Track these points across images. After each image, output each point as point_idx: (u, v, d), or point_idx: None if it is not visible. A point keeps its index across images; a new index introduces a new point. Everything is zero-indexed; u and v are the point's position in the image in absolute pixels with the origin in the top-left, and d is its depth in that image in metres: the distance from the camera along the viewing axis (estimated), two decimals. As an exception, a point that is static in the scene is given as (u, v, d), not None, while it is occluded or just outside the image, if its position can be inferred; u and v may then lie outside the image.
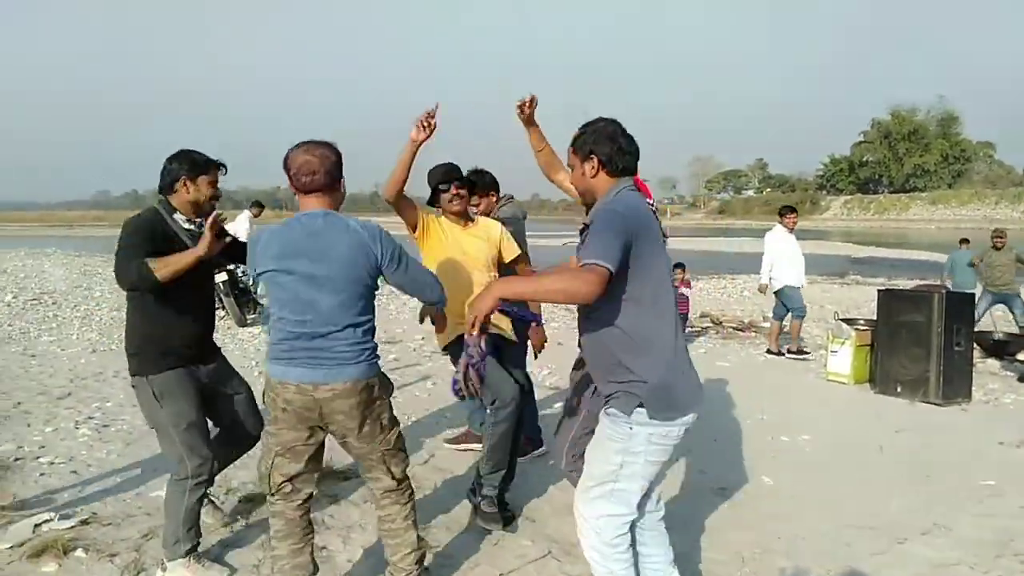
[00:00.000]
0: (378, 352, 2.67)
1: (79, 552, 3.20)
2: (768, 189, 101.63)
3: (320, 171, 2.54)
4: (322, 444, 2.71)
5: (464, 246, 3.56)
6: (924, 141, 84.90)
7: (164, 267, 2.78)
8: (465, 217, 3.65)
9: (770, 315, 10.21)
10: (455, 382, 2.43)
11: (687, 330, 9.19)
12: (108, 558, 3.17)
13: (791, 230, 8.17)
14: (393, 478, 2.73)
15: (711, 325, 10.25)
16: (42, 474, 4.17)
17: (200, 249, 2.84)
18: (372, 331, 2.63)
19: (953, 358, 5.98)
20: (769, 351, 8.24)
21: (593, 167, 2.43)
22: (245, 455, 3.41)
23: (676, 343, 2.35)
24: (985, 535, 3.51)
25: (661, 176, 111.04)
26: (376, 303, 2.71)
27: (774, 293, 8.18)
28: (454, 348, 3.49)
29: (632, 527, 2.44)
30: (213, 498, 3.54)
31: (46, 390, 6.08)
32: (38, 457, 4.44)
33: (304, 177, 2.53)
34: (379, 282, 2.69)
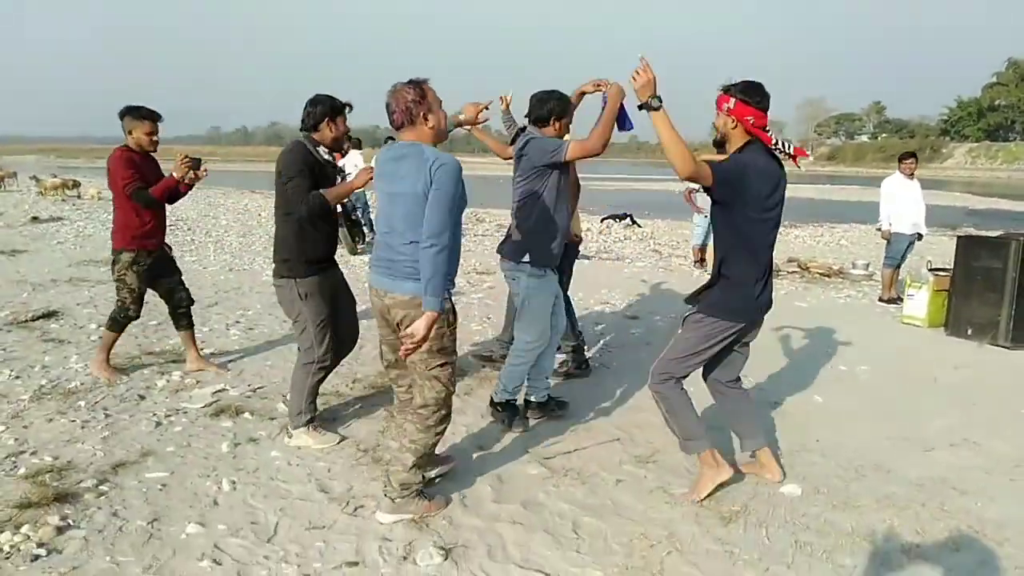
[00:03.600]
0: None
1: (246, 415, 4.12)
2: (884, 135, 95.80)
3: (397, 110, 2.88)
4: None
5: None
6: (1067, 84, 77.53)
7: (333, 194, 3.58)
8: None
9: (860, 263, 10.38)
10: None
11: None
12: (268, 420, 4.07)
13: (910, 176, 8.15)
14: (421, 402, 3.00)
15: (797, 270, 10.45)
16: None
17: (360, 180, 3.61)
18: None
19: (1026, 304, 6.12)
20: (880, 299, 8.32)
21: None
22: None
23: None
24: (1008, 451, 3.92)
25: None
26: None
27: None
28: None
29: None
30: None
31: (197, 299, 7.08)
32: (201, 349, 5.43)
33: (390, 115, 2.91)
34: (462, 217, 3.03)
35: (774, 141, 3.13)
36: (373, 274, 3.04)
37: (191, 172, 4.54)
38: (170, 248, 4.89)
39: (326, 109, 3.68)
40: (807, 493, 3.38)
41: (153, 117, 4.53)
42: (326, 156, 3.79)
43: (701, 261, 10.08)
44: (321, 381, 3.86)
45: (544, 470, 3.56)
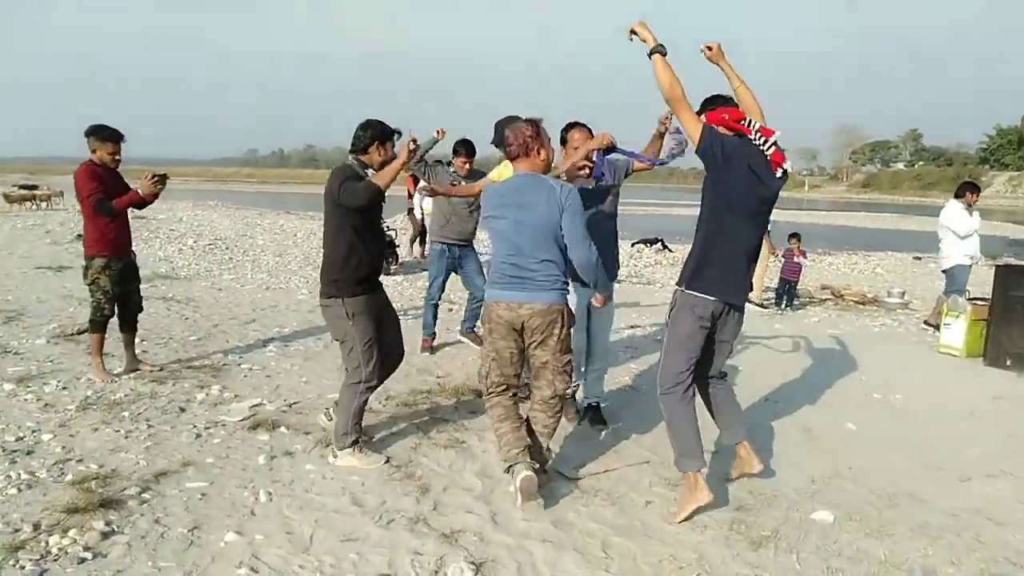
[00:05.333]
0: (566, 287, 3.40)
1: (282, 428, 4.21)
2: (920, 163, 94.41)
3: (515, 143, 3.37)
4: (523, 352, 3.46)
5: None
6: (1111, 112, 75.62)
7: (382, 178, 3.72)
8: None
9: (896, 291, 10.25)
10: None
11: (795, 300, 9.41)
12: (304, 434, 4.16)
13: (968, 207, 7.93)
14: (551, 393, 3.45)
15: (831, 297, 10.36)
16: (244, 376, 5.28)
17: (402, 157, 3.81)
18: (564, 269, 3.37)
19: (1068, 335, 6.01)
20: (926, 322, 8.25)
21: None
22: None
23: None
24: (1048, 483, 3.85)
25: (800, 146, 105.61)
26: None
27: (942, 271, 8.04)
28: None
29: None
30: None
31: (235, 316, 7.34)
32: (239, 363, 5.58)
33: (507, 147, 3.41)
34: None
35: (753, 135, 3.26)
36: (501, 290, 3.38)
37: (158, 187, 4.96)
38: (135, 255, 5.28)
39: (376, 133, 3.83)
40: (839, 520, 3.36)
41: (115, 138, 4.95)
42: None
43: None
44: (366, 402, 3.90)
45: (574, 490, 3.59)
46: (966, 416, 4.99)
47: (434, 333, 6.27)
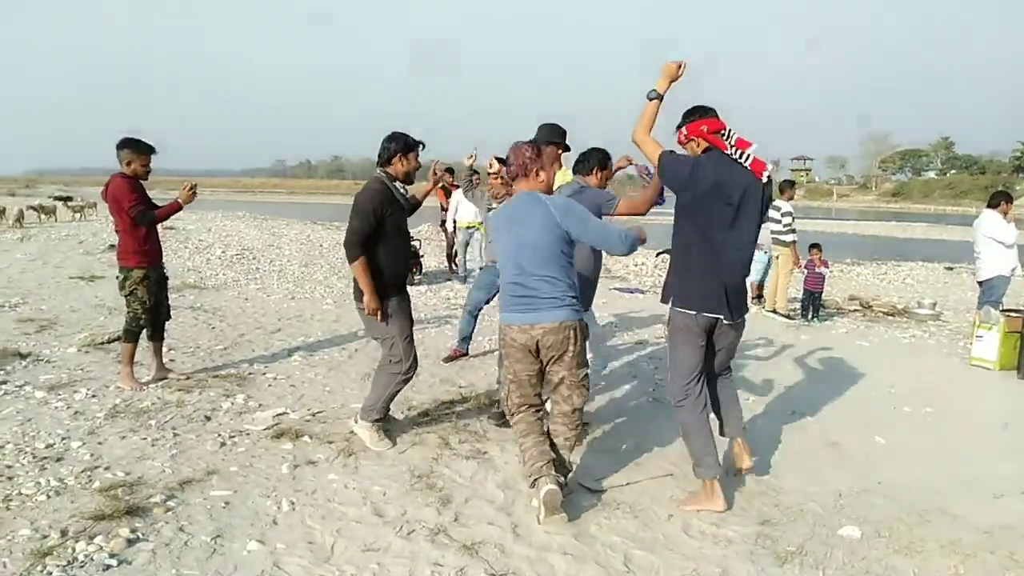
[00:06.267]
0: (579, 300, 3.38)
1: (306, 438, 4.23)
2: (952, 171, 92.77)
3: (515, 163, 3.43)
4: (541, 372, 3.44)
5: None
6: None
7: (359, 273, 3.91)
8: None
9: (927, 302, 10.06)
10: None
11: (821, 310, 9.26)
12: (327, 443, 4.18)
13: (1004, 215, 7.71)
14: (570, 408, 3.46)
15: (859, 308, 10.19)
16: (269, 385, 5.32)
17: (428, 186, 4.33)
18: (572, 284, 3.36)
19: (1108, 348, 5.85)
20: None
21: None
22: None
23: None
24: (1086, 500, 3.73)
25: (827, 155, 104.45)
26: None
27: (979, 282, 7.79)
28: None
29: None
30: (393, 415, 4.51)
31: (261, 326, 7.42)
32: (264, 373, 5.63)
33: (508, 167, 3.47)
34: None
35: (729, 148, 3.37)
36: (511, 313, 3.37)
37: (193, 196, 5.16)
38: (164, 266, 5.43)
39: (400, 146, 4.02)
40: (867, 536, 3.29)
41: (150, 151, 5.07)
42: (401, 190, 4.10)
43: (759, 297, 9.94)
44: (398, 391, 4.18)
45: (596, 502, 3.56)
46: (999, 430, 4.87)
47: (468, 345, 6.22)
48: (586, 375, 3.49)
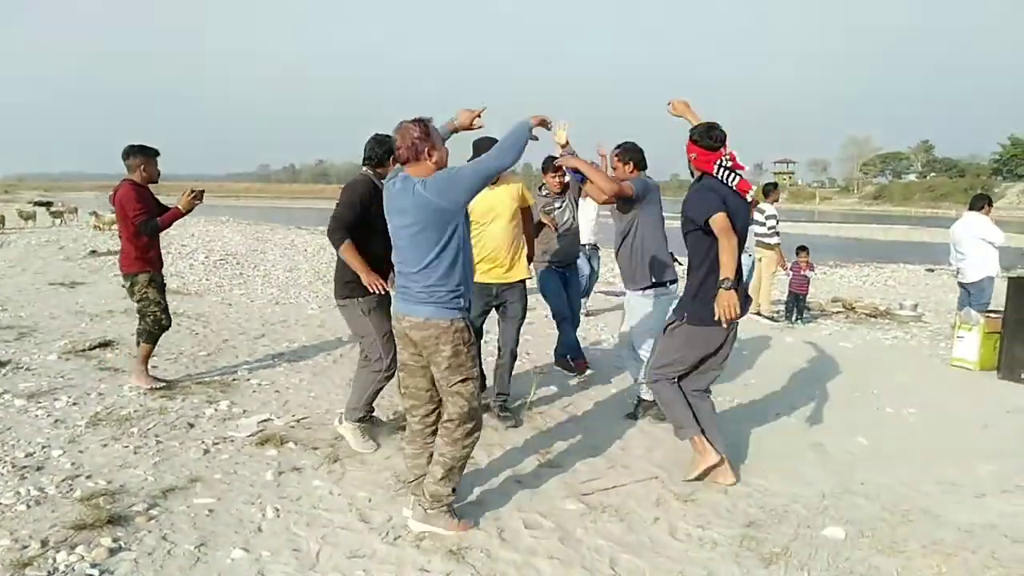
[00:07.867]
0: (458, 298, 3.07)
1: (290, 444, 4.21)
2: (933, 174, 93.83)
3: (402, 146, 3.04)
4: (427, 367, 3.18)
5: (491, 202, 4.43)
6: None
7: (349, 256, 3.95)
8: None
9: (908, 303, 10.16)
10: None
11: (805, 313, 9.32)
12: (312, 450, 4.15)
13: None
14: (446, 417, 3.18)
15: (842, 310, 10.28)
16: (253, 391, 5.29)
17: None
18: (447, 277, 3.02)
19: (1084, 348, 5.94)
20: None
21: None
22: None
23: None
24: (1065, 499, 3.78)
25: (810, 158, 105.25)
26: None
27: (961, 283, 7.81)
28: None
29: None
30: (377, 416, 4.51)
31: (245, 331, 7.36)
32: (248, 379, 5.59)
33: (396, 151, 3.09)
34: None
35: (716, 172, 3.64)
36: (396, 301, 3.25)
37: (195, 201, 5.12)
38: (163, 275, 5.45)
39: (387, 150, 4.02)
40: (851, 536, 3.31)
41: (158, 154, 5.20)
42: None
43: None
44: (379, 390, 4.20)
45: (582, 506, 3.56)
46: (980, 430, 4.93)
47: (581, 352, 5.67)
48: (463, 382, 3.13)
